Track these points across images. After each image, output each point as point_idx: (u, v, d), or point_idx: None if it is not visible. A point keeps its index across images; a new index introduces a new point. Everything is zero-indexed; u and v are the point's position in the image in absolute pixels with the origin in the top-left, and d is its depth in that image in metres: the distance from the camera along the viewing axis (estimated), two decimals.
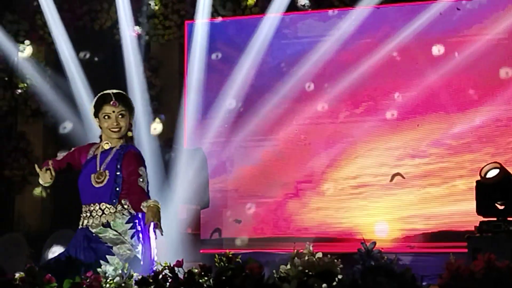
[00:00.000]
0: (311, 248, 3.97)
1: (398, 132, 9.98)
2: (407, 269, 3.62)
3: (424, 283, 3.66)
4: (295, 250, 3.97)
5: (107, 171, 5.28)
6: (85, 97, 10.77)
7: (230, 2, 10.92)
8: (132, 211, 5.26)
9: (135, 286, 4.20)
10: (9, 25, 11.59)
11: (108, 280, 4.23)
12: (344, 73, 10.08)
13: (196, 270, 4.11)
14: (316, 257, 3.87)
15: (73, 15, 11.48)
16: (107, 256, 5.09)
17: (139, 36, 11.03)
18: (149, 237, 5.27)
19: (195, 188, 9.62)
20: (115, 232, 5.18)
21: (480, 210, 7.92)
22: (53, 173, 5.32)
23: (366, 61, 10.03)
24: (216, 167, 10.36)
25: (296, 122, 10.36)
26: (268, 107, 10.37)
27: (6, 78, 11.59)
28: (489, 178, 7.90)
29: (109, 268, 4.73)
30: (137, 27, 11.07)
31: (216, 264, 4.07)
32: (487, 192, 7.89)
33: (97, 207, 5.23)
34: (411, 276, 3.58)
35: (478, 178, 8.00)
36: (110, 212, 5.22)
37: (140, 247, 5.22)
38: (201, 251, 9.38)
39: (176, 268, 4.18)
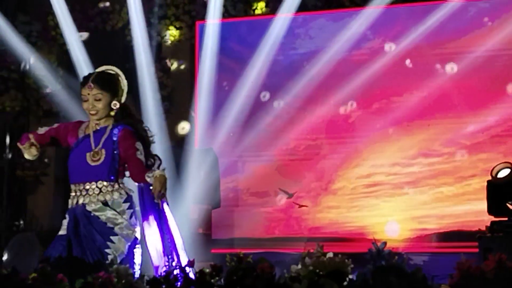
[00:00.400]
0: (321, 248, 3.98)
1: (410, 131, 9.95)
2: (418, 268, 3.63)
3: (435, 283, 3.66)
4: (306, 250, 3.97)
5: (103, 150, 5.25)
6: None
7: (240, 3, 10.94)
8: (129, 191, 5.27)
9: (147, 286, 4.21)
10: (21, 26, 11.64)
11: (120, 280, 4.25)
12: (355, 73, 10.09)
13: (207, 270, 4.12)
14: (327, 257, 3.87)
15: (85, 16, 11.53)
16: (111, 237, 5.09)
17: (150, 37, 11.06)
18: (167, 221, 5.23)
19: (206, 188, 9.63)
20: (114, 212, 5.16)
21: (491, 210, 7.91)
22: (38, 146, 5.32)
23: (377, 61, 10.03)
24: (227, 166, 10.36)
25: (308, 121, 10.36)
26: (280, 106, 10.38)
27: (19, 79, 11.68)
28: (500, 178, 7.89)
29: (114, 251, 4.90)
30: None
31: (227, 264, 4.08)
32: (498, 192, 7.88)
33: (94, 186, 5.19)
34: (421, 276, 3.58)
35: (490, 177, 7.99)
36: (108, 190, 5.19)
37: (138, 228, 5.22)
38: (212, 251, 9.38)
39: (187, 268, 4.20)
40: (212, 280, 4.02)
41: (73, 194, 5.27)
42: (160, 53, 11.34)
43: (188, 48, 11.27)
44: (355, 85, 10.07)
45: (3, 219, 11.46)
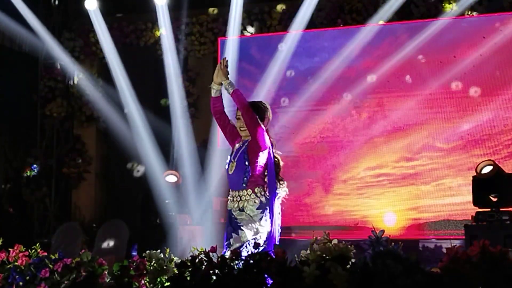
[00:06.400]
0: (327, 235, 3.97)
1: (407, 133, 9.91)
2: (412, 253, 3.62)
3: (427, 266, 3.64)
4: (314, 237, 3.97)
5: (234, 161, 5.55)
6: (131, 104, 10.87)
7: (257, 21, 10.95)
8: (263, 199, 5.42)
9: (175, 268, 4.22)
10: (66, 42, 11.73)
11: (151, 263, 4.26)
12: (359, 81, 10.07)
13: (228, 255, 4.12)
14: (332, 243, 3.86)
15: (122, 33, 11.58)
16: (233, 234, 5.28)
17: (178, 51, 11.09)
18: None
19: (227, 183, 9.60)
20: (248, 215, 5.32)
21: (476, 202, 7.88)
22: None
23: (380, 69, 10.00)
24: None
25: (319, 122, 10.32)
26: (295, 108, 10.34)
27: (64, 89, 11.75)
28: (483, 173, 7.86)
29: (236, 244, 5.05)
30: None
31: None
32: (482, 186, 7.86)
33: (236, 194, 5.44)
34: (415, 260, 3.58)
35: (474, 173, 7.96)
36: (245, 198, 5.38)
37: (265, 228, 5.37)
38: None
39: (210, 253, 4.20)
40: (232, 264, 4.02)
41: (229, 198, 5.57)
42: (186, 65, 11.36)
43: (211, 61, 11.29)
44: (361, 89, 10.05)
45: (52, 211, 11.53)
